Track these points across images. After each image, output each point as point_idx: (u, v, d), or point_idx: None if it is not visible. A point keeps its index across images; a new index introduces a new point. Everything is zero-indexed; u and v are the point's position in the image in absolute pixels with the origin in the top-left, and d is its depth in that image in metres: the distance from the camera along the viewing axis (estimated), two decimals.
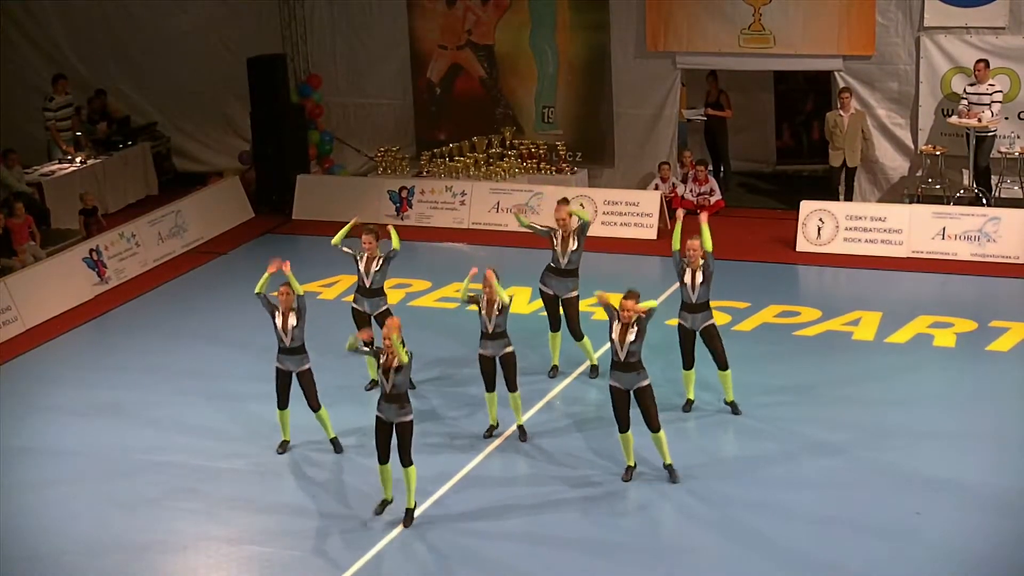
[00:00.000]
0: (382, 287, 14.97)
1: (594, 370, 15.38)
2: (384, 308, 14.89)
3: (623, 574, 11.68)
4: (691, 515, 12.55)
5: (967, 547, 11.78)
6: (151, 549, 12.41)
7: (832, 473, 13.13)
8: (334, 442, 14.04)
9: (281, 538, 12.48)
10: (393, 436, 12.35)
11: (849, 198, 20.49)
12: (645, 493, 12.95)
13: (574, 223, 15.11)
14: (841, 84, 20.61)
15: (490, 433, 14.16)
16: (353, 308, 15.03)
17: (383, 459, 12.47)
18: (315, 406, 13.86)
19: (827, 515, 12.37)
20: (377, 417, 12.40)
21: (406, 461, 12.39)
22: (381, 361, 12.24)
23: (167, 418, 15.01)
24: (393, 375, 12.17)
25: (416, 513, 12.59)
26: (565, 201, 15.30)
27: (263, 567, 12.09)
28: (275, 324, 13.62)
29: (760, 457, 13.50)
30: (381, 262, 14.82)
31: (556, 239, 15.09)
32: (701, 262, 14.05)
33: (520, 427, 14.12)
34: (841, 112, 20.25)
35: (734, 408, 14.39)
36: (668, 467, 13.11)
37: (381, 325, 13.34)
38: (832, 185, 20.65)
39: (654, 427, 12.94)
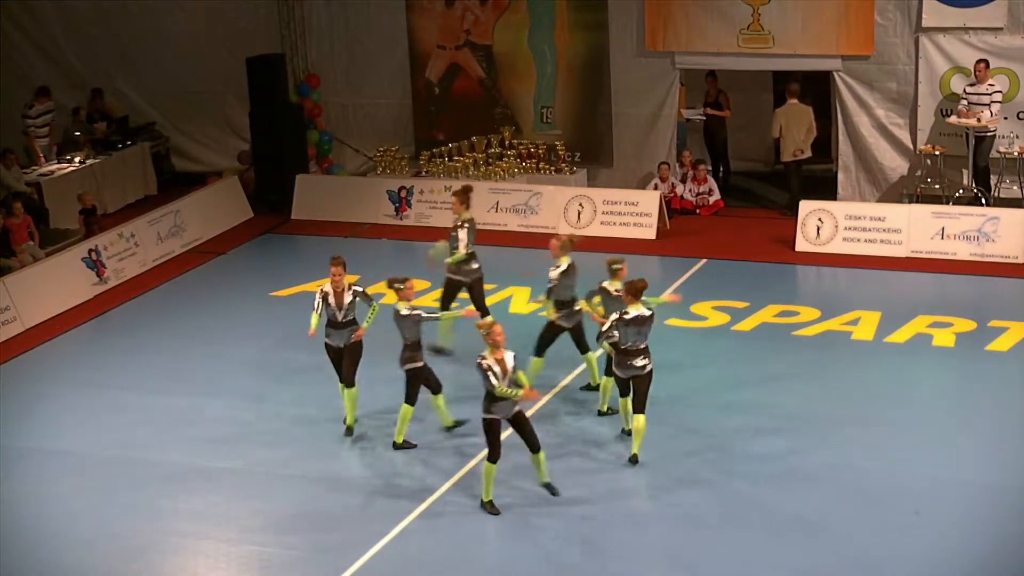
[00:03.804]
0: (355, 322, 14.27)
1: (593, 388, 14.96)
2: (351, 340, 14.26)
3: (624, 572, 11.71)
4: (691, 512, 12.54)
5: (967, 547, 11.79)
6: (151, 549, 12.41)
7: (831, 472, 13.12)
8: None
9: (281, 538, 12.47)
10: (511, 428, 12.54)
11: (793, 196, 20.75)
12: (643, 491, 12.97)
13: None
14: (841, 84, 20.67)
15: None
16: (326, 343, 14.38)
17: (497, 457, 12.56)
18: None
19: (827, 514, 12.37)
20: (493, 420, 12.43)
21: (535, 447, 12.58)
22: (498, 372, 12.26)
23: (166, 418, 15.01)
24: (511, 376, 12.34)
25: (421, 509, 12.63)
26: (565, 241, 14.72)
27: (263, 567, 12.09)
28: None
29: (759, 456, 13.50)
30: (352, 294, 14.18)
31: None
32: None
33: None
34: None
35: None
36: (632, 457, 13.35)
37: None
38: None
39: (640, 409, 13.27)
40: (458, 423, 14.18)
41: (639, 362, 13.16)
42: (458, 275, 15.89)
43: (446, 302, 16.01)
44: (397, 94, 23.44)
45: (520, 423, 12.48)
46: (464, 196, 15.88)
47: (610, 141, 22.20)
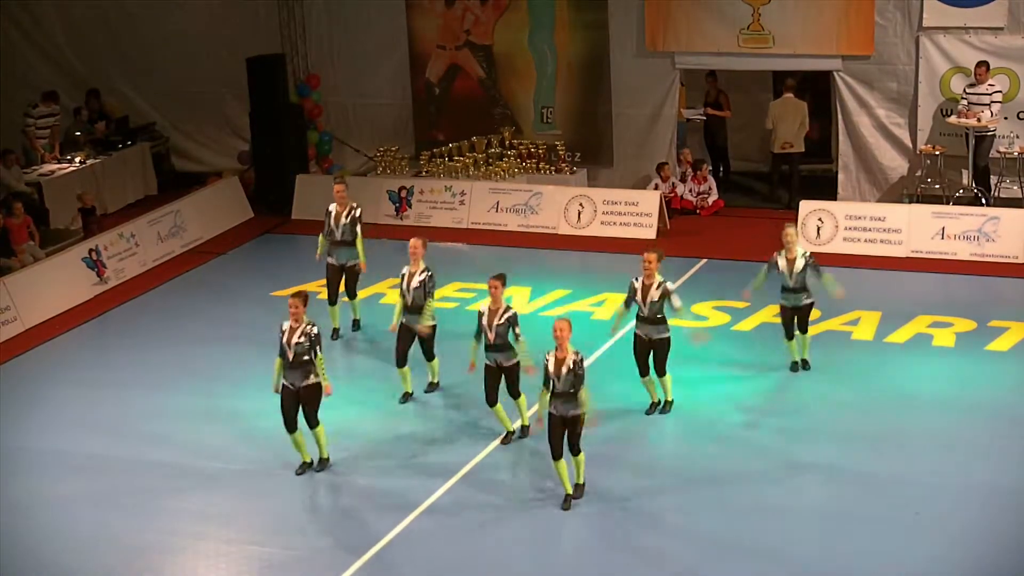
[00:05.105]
0: (311, 361, 13.26)
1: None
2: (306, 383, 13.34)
3: (623, 572, 11.72)
4: (691, 511, 12.55)
5: (967, 547, 11.80)
6: (151, 549, 12.41)
7: (831, 473, 13.12)
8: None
9: (281, 538, 12.47)
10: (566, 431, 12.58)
11: (787, 191, 21.26)
12: (642, 488, 12.98)
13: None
14: (841, 84, 20.69)
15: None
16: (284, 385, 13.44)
17: (558, 455, 12.57)
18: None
19: (826, 514, 12.38)
20: (550, 414, 12.56)
21: (576, 450, 12.63)
22: (551, 365, 12.39)
23: (166, 418, 15.00)
24: (565, 373, 12.34)
25: (422, 509, 12.64)
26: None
27: (263, 567, 12.08)
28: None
29: (759, 456, 13.50)
30: (302, 335, 13.15)
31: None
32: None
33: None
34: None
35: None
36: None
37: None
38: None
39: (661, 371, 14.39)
40: (510, 433, 14.07)
41: (656, 328, 14.16)
42: (336, 260, 16.59)
43: (350, 287, 16.71)
44: (397, 94, 23.44)
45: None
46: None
47: (610, 141, 22.21)
